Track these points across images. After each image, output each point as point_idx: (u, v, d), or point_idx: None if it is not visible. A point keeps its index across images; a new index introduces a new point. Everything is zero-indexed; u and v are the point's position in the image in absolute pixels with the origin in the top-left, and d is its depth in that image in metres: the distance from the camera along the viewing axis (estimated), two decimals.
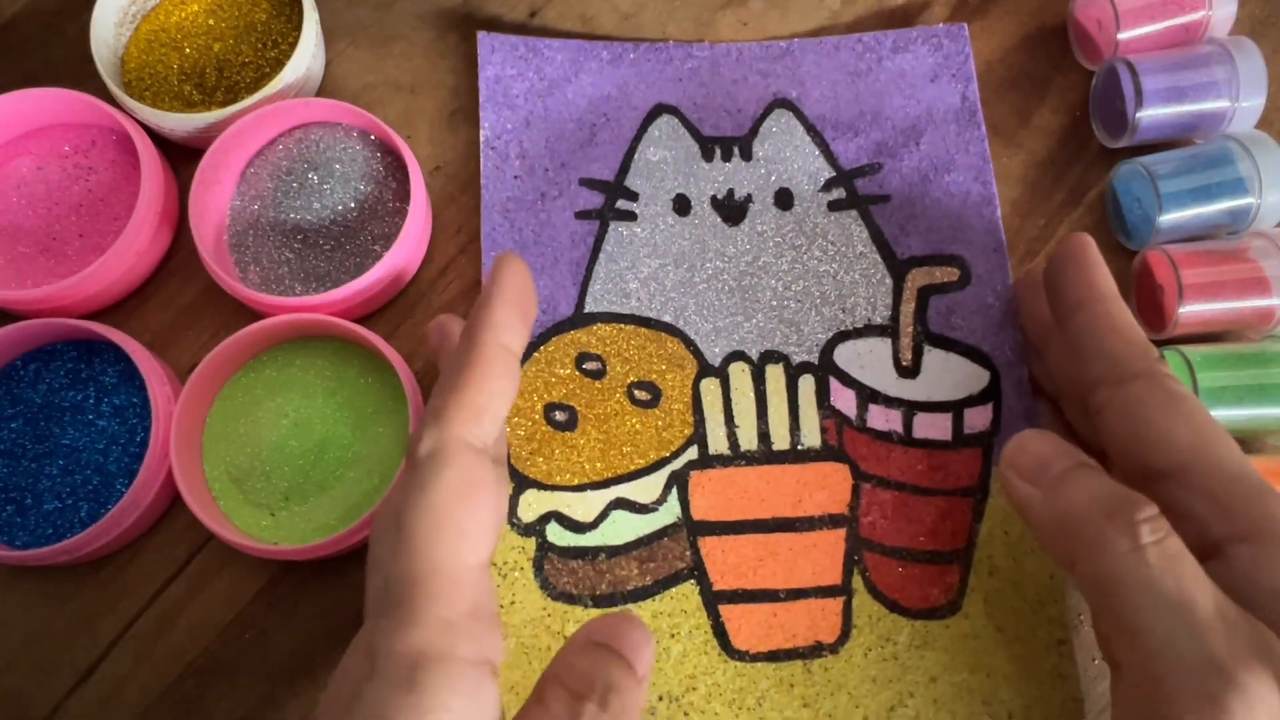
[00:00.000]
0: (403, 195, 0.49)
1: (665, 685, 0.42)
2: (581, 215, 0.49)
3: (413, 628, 0.30)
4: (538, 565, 0.43)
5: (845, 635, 0.42)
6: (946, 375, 0.46)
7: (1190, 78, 0.48)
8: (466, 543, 0.31)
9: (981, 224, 0.48)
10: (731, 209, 0.48)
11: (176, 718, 0.43)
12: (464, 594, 0.31)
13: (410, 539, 0.31)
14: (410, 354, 0.48)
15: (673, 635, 0.42)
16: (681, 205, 0.48)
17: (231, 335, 0.44)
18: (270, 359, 0.47)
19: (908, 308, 0.47)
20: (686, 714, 0.41)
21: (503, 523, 0.42)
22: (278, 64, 0.50)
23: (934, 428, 0.45)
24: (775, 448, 0.45)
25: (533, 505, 0.44)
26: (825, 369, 0.46)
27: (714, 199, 0.49)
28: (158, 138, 0.50)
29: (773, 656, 0.42)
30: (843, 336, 0.46)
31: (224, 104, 0.50)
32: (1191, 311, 0.45)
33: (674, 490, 0.44)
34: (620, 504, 0.44)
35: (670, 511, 0.44)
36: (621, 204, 0.49)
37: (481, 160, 0.49)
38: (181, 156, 0.50)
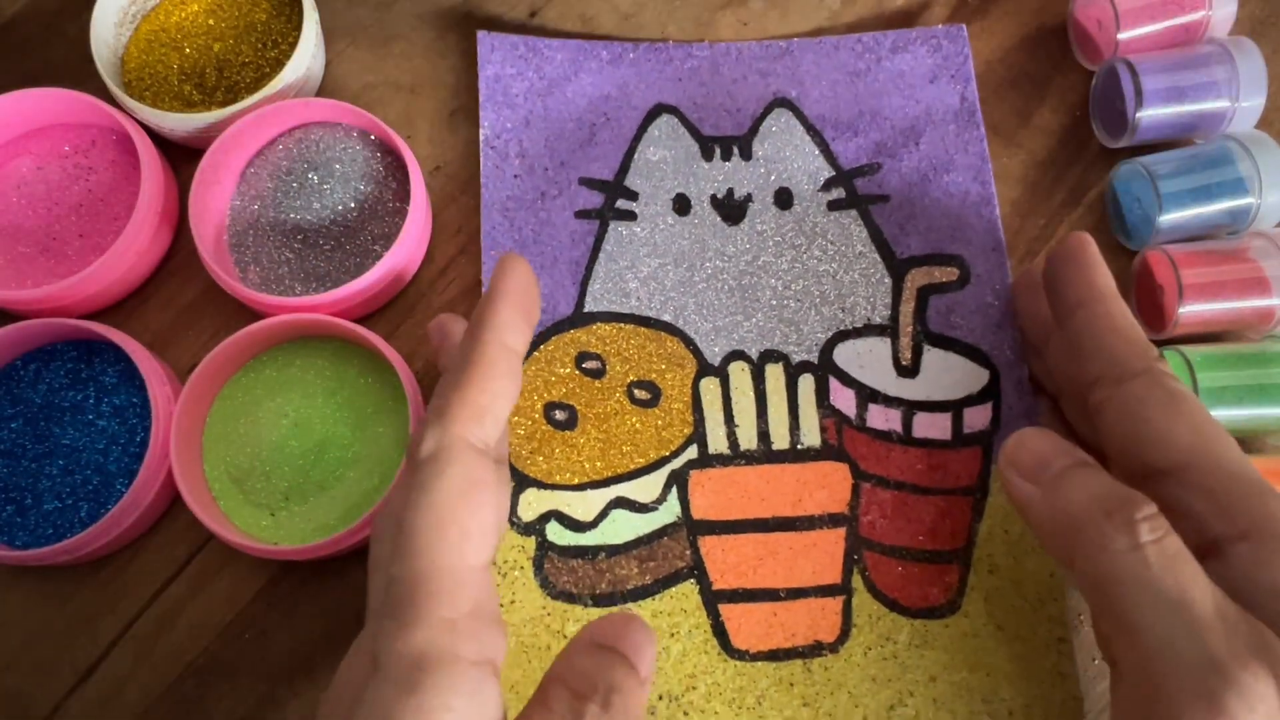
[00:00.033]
0: (403, 195, 0.49)
1: (665, 684, 0.42)
2: (581, 215, 0.49)
3: (415, 628, 0.30)
4: (537, 564, 0.43)
5: (845, 634, 0.42)
6: (946, 375, 0.46)
7: (1190, 78, 0.48)
8: (469, 543, 0.31)
9: (980, 224, 0.48)
10: (731, 208, 0.48)
11: (176, 718, 0.43)
12: (466, 594, 0.31)
13: (412, 539, 0.31)
14: (410, 354, 0.48)
15: (672, 634, 0.42)
16: (681, 205, 0.48)
17: (231, 335, 0.44)
18: (270, 359, 0.47)
19: (907, 307, 0.47)
20: (686, 713, 0.41)
21: (505, 523, 0.42)
22: (278, 64, 0.50)
23: (933, 427, 0.45)
24: (775, 447, 0.45)
25: (532, 504, 0.44)
26: (825, 368, 0.46)
27: (714, 198, 0.49)
28: (158, 138, 0.50)
29: (772, 656, 0.42)
30: (842, 336, 0.46)
31: (224, 104, 0.50)
32: (1191, 311, 0.45)
33: (674, 489, 0.44)
34: (620, 503, 0.44)
35: (670, 511, 0.44)
36: (621, 203, 0.49)
37: (481, 160, 0.49)
38: (181, 156, 0.50)
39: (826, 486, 0.44)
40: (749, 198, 0.49)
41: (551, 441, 0.45)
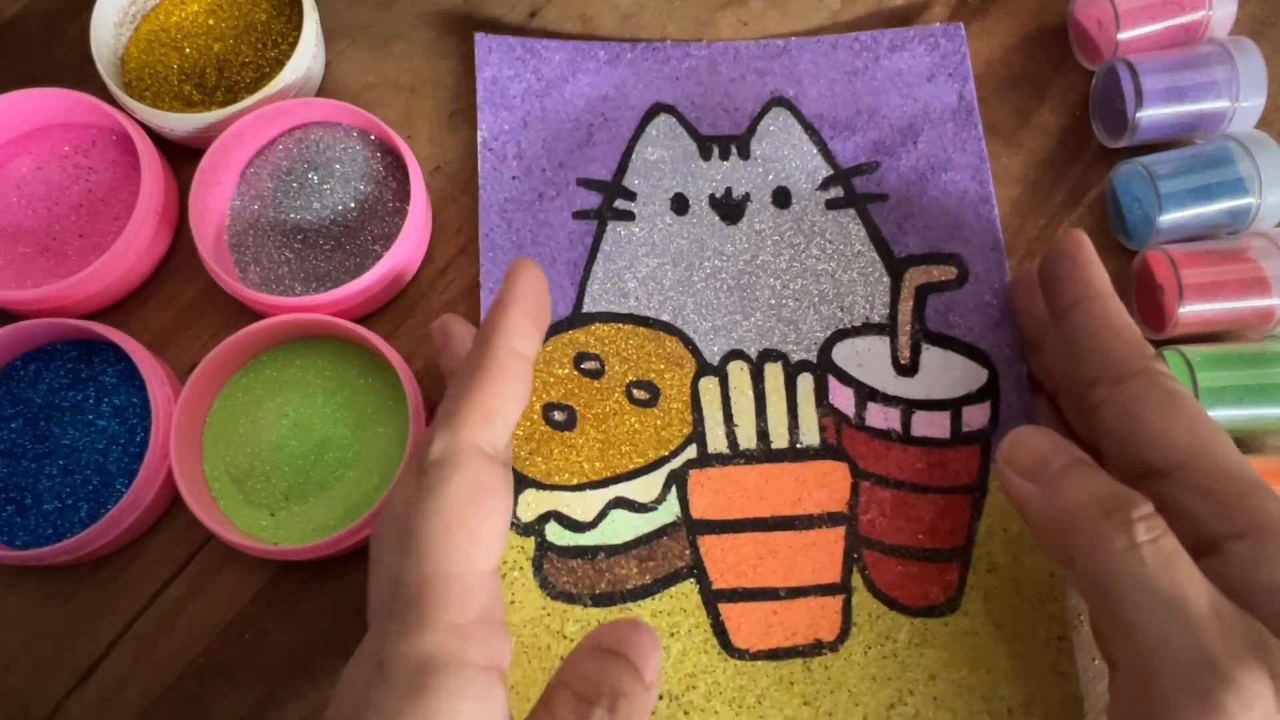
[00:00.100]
0: (403, 195, 0.49)
1: (665, 684, 0.42)
2: (579, 215, 0.49)
3: (422, 632, 0.30)
4: (537, 565, 0.43)
5: (845, 633, 0.42)
6: (945, 373, 0.46)
7: (1190, 78, 0.48)
8: (477, 548, 0.31)
9: (979, 223, 0.48)
10: (729, 208, 0.48)
11: (176, 718, 0.43)
12: (474, 599, 0.31)
13: (419, 543, 0.31)
14: (410, 354, 0.48)
15: (672, 634, 0.42)
16: (679, 204, 0.48)
17: (231, 335, 0.44)
18: (270, 359, 0.47)
19: (906, 306, 0.47)
20: (687, 713, 0.41)
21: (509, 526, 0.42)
22: (278, 64, 0.51)
23: (932, 426, 0.45)
24: (774, 446, 0.45)
25: (531, 505, 0.44)
26: (824, 367, 0.46)
27: (712, 198, 0.49)
28: (158, 138, 0.50)
29: (772, 655, 0.42)
30: (841, 335, 0.46)
31: (224, 104, 0.50)
32: (1191, 311, 0.45)
33: (673, 489, 0.44)
34: (619, 503, 0.44)
35: (669, 510, 0.44)
36: (619, 203, 0.49)
37: (479, 162, 0.50)
38: (181, 156, 0.50)
39: (826, 485, 0.44)
40: (747, 197, 0.49)
41: (550, 442, 0.45)
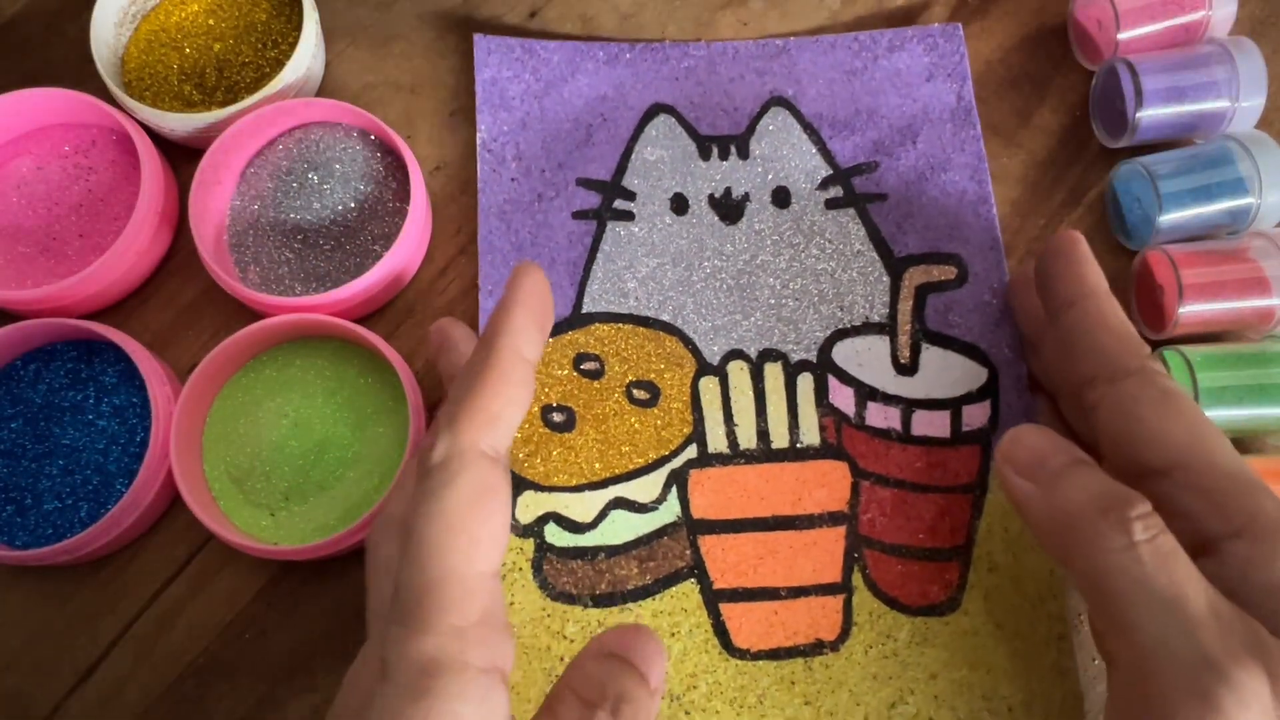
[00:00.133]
0: (403, 195, 0.49)
1: (666, 684, 0.42)
2: (579, 215, 0.49)
3: (424, 635, 0.30)
4: (536, 566, 0.43)
5: (846, 633, 0.42)
6: (944, 373, 0.46)
7: (1190, 78, 0.48)
8: (479, 550, 0.31)
9: (978, 222, 0.48)
10: (729, 207, 0.48)
11: (176, 718, 0.43)
12: (476, 602, 0.31)
13: (421, 545, 0.31)
14: (410, 354, 0.48)
15: (673, 634, 0.42)
16: (679, 204, 0.48)
17: (231, 335, 0.44)
18: (270, 359, 0.47)
19: (905, 305, 0.47)
20: (688, 712, 0.41)
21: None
22: (278, 64, 0.51)
23: (932, 425, 0.45)
24: (774, 446, 0.45)
25: (530, 506, 0.44)
26: (824, 367, 0.46)
27: (711, 198, 0.49)
28: (158, 138, 0.50)
29: (773, 654, 0.42)
30: (841, 334, 0.46)
31: (224, 104, 0.50)
32: (1191, 311, 0.45)
33: (673, 489, 0.44)
34: (619, 504, 0.44)
35: (670, 510, 0.44)
36: (619, 204, 0.49)
37: (478, 164, 0.49)
38: (181, 156, 0.50)
39: (826, 485, 0.44)
40: (746, 197, 0.49)
41: (549, 444, 0.45)
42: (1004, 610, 0.42)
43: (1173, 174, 0.46)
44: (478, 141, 0.50)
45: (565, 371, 0.46)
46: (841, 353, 0.46)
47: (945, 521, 0.43)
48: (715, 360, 0.46)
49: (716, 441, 0.45)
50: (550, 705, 0.32)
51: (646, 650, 0.33)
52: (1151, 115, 0.47)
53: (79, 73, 0.51)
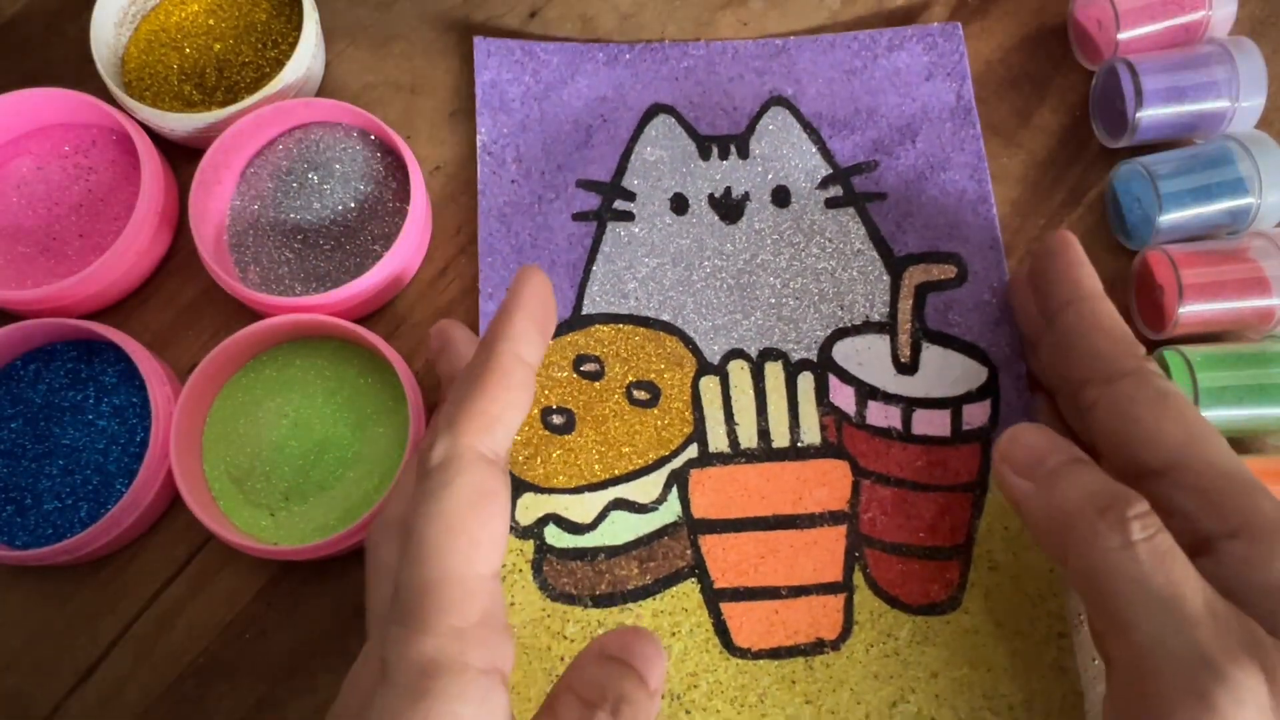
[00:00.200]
0: (403, 195, 0.49)
1: (667, 683, 0.42)
2: (579, 217, 0.49)
3: (424, 636, 0.30)
4: (536, 567, 0.43)
5: (847, 632, 0.42)
6: (945, 372, 0.46)
7: (1190, 78, 0.48)
8: (478, 552, 0.31)
9: (977, 222, 0.48)
10: (729, 207, 0.48)
11: (176, 718, 0.43)
12: (475, 603, 0.31)
13: (420, 547, 0.31)
14: (410, 354, 0.48)
15: (674, 634, 0.42)
16: (679, 204, 0.48)
17: (231, 335, 0.44)
18: (270, 359, 0.47)
19: (905, 305, 0.47)
20: (689, 712, 0.41)
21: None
22: (278, 64, 0.51)
23: (933, 424, 0.45)
24: (775, 445, 0.45)
25: (529, 508, 0.44)
26: (824, 366, 0.46)
27: (711, 197, 0.49)
28: (158, 138, 0.50)
29: (774, 654, 0.42)
30: (841, 333, 0.46)
31: (224, 104, 0.50)
32: (1191, 311, 0.44)
33: (674, 489, 0.44)
34: (619, 504, 0.44)
35: (670, 510, 0.44)
36: (619, 204, 0.49)
37: (478, 166, 0.50)
38: (181, 156, 0.50)
39: (827, 484, 0.44)
40: (746, 196, 0.49)
41: (549, 446, 0.45)
42: (1004, 609, 0.42)
43: (1173, 174, 0.46)
44: (478, 144, 0.50)
45: (565, 373, 0.46)
46: (842, 352, 0.46)
47: (946, 520, 0.43)
48: (716, 360, 0.46)
49: (717, 441, 0.45)
50: (550, 705, 0.32)
51: (646, 652, 0.33)
52: (1151, 115, 0.47)
53: (79, 73, 0.51)
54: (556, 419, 0.45)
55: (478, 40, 0.52)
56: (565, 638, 0.42)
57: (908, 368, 0.46)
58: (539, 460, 0.44)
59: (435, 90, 0.52)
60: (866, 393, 0.45)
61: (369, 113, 0.48)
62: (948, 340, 0.46)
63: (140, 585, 0.45)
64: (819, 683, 0.41)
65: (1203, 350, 0.44)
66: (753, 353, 0.46)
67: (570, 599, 0.43)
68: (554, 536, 0.44)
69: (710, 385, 0.46)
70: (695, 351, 0.46)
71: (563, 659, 0.42)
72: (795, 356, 0.46)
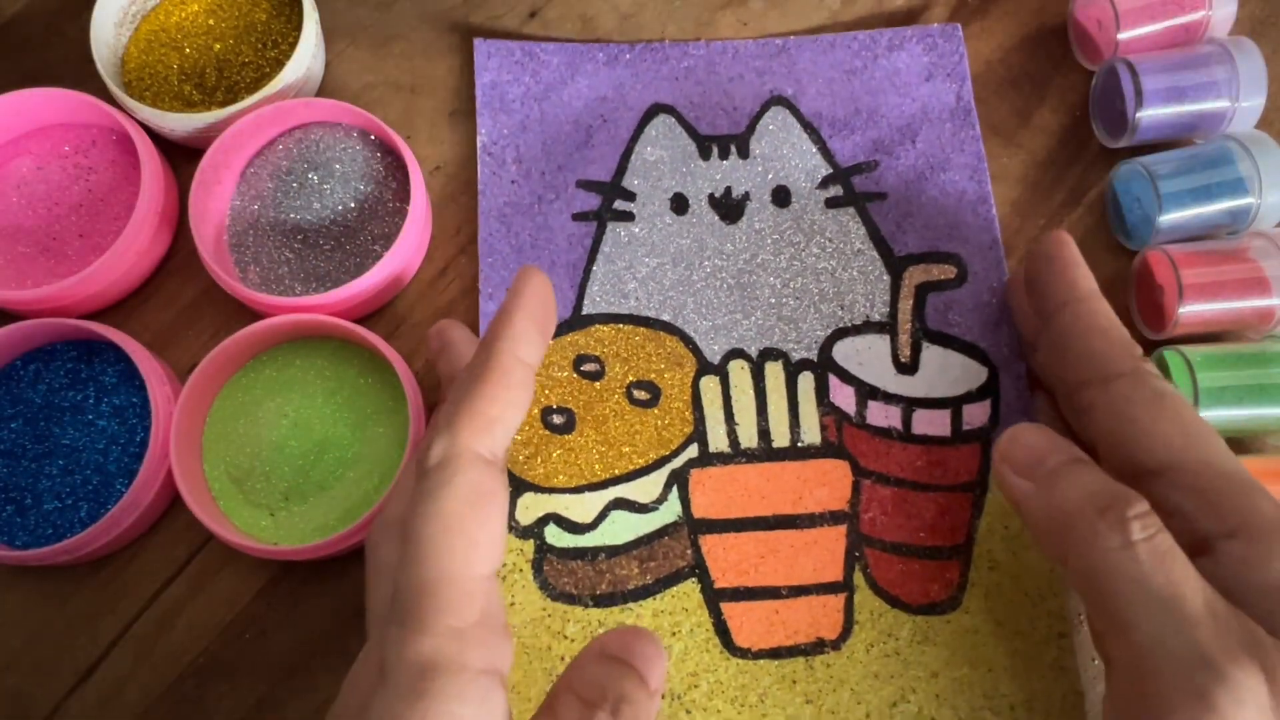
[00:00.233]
0: (403, 195, 0.49)
1: (667, 683, 0.42)
2: (579, 217, 0.49)
3: (422, 636, 0.30)
4: (536, 566, 0.43)
5: (847, 631, 0.42)
6: (945, 372, 0.46)
7: (1190, 78, 0.48)
8: (476, 552, 0.31)
9: (977, 222, 0.48)
10: (729, 207, 0.48)
11: (176, 718, 0.43)
12: (474, 603, 0.31)
13: (419, 547, 0.31)
14: (410, 354, 0.48)
15: (674, 633, 0.42)
16: (679, 204, 0.48)
17: (231, 335, 0.44)
18: (270, 359, 0.47)
19: (906, 305, 0.47)
20: (689, 711, 0.41)
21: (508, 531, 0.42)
22: (278, 64, 0.51)
23: (933, 424, 0.45)
24: (775, 445, 0.45)
25: (530, 508, 0.44)
26: (824, 366, 0.46)
27: (711, 197, 0.49)
28: (158, 138, 0.50)
29: (775, 653, 0.42)
30: (841, 333, 0.46)
31: (224, 104, 0.50)
32: (1191, 311, 0.44)
33: (674, 489, 0.44)
34: (619, 504, 0.44)
35: (671, 510, 0.44)
36: (619, 204, 0.49)
37: (479, 167, 0.50)
38: (181, 156, 0.50)
39: (827, 484, 0.44)
40: (747, 196, 0.49)
41: (549, 446, 0.45)
42: (1005, 608, 0.42)
43: (1173, 174, 0.46)
44: (478, 145, 0.50)
45: (565, 373, 0.46)
46: (842, 351, 0.46)
47: (946, 520, 0.43)
48: (716, 360, 0.46)
49: (717, 441, 0.45)
50: (550, 705, 0.32)
51: (646, 652, 0.33)
52: (1151, 115, 0.47)
53: (79, 73, 0.51)
54: (557, 419, 0.45)
55: (478, 42, 0.52)
56: (565, 637, 0.42)
57: (908, 368, 0.46)
58: (539, 460, 0.44)
59: (435, 90, 0.52)
60: (867, 393, 0.45)
61: (369, 113, 0.48)
62: (948, 340, 0.46)
63: (140, 585, 0.45)
64: (819, 682, 0.41)
65: (1203, 350, 0.44)
66: (753, 352, 0.46)
67: (570, 599, 0.43)
68: (554, 536, 0.44)
69: (710, 385, 0.46)
70: (695, 351, 0.46)
71: (563, 659, 0.42)
72: (795, 356, 0.46)
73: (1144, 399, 0.36)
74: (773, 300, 0.47)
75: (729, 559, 0.43)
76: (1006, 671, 0.41)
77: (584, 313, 0.47)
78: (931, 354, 0.46)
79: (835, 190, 0.49)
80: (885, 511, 0.44)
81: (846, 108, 0.50)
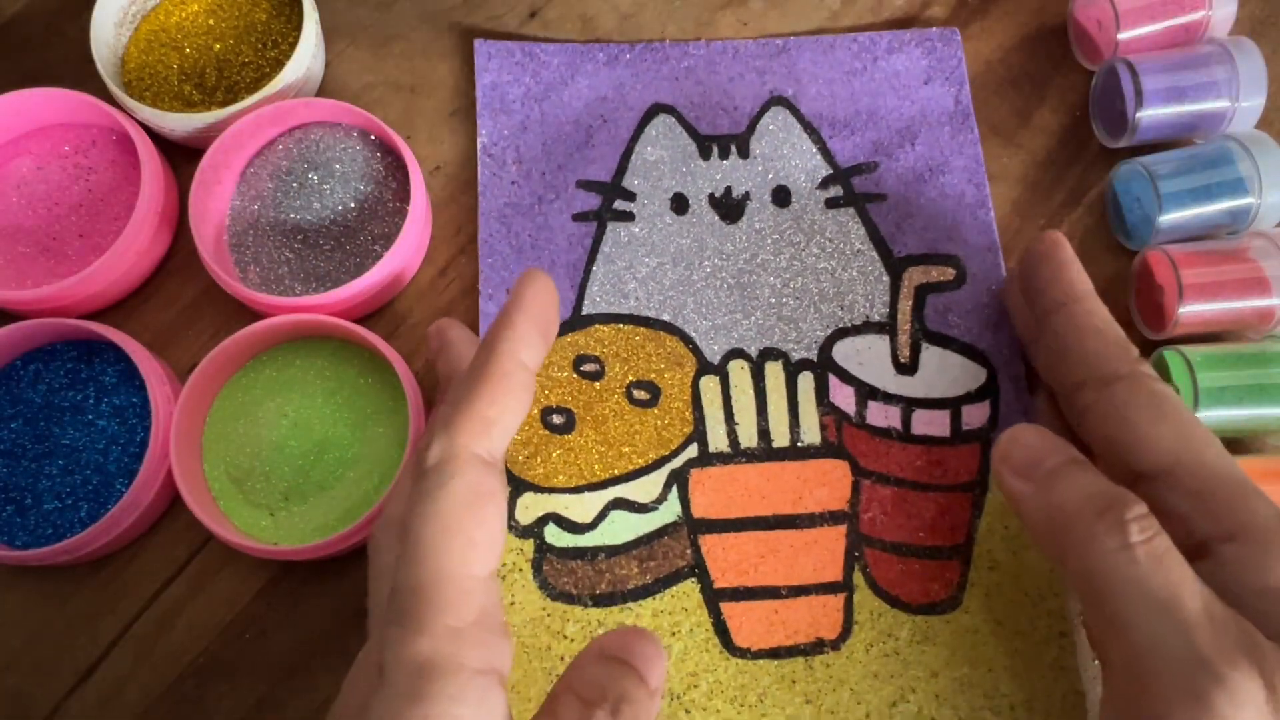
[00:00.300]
0: (403, 195, 0.49)
1: (667, 683, 0.42)
2: (579, 217, 0.49)
3: (421, 637, 0.30)
4: (536, 566, 0.43)
5: (847, 631, 0.42)
6: (944, 372, 0.46)
7: (1190, 78, 0.48)
8: (474, 552, 0.31)
9: (976, 225, 0.48)
10: (729, 207, 0.48)
11: (176, 718, 0.43)
12: (472, 603, 0.31)
13: (417, 547, 0.31)
14: (410, 354, 0.48)
15: (674, 633, 0.42)
16: (679, 204, 0.48)
17: (231, 335, 0.44)
18: (270, 359, 0.47)
19: (905, 305, 0.47)
20: (689, 711, 0.41)
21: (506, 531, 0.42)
22: (278, 64, 0.51)
23: (932, 424, 0.45)
24: (775, 445, 0.45)
25: (529, 507, 0.44)
26: (824, 366, 0.46)
27: (711, 197, 0.49)
28: (158, 138, 0.50)
29: (774, 653, 0.42)
30: (841, 333, 0.46)
31: (224, 104, 0.50)
32: (1191, 311, 0.44)
33: (674, 489, 0.44)
34: (619, 504, 0.44)
35: (670, 510, 0.44)
36: (619, 204, 0.49)
37: (479, 167, 0.50)
38: (181, 156, 0.50)
39: (827, 484, 0.44)
40: (747, 196, 0.49)
41: (549, 445, 0.45)
42: (1004, 608, 0.42)
43: (1173, 174, 0.46)
44: (478, 146, 0.50)
45: (565, 373, 0.46)
46: (842, 352, 0.46)
47: (945, 520, 0.43)
48: (716, 359, 0.46)
49: (717, 440, 0.45)
50: (550, 705, 0.32)
51: (646, 652, 0.33)
52: (1151, 115, 0.47)
53: (79, 73, 0.51)
54: (556, 419, 0.45)
55: (478, 43, 0.52)
56: (565, 637, 0.42)
57: (907, 368, 0.46)
58: (539, 460, 0.44)
59: (435, 90, 0.52)
60: (866, 393, 0.45)
61: (369, 113, 0.48)
62: (947, 341, 0.46)
63: (140, 585, 0.45)
64: (819, 682, 0.41)
65: (1203, 350, 0.44)
66: (753, 352, 0.46)
67: (570, 598, 0.43)
68: (554, 536, 0.44)
69: (710, 385, 0.46)
70: (695, 351, 0.46)
71: (563, 658, 0.42)
72: (795, 356, 0.46)
73: (1141, 402, 0.36)
74: (773, 300, 0.47)
75: (729, 559, 0.43)
76: (1006, 671, 0.41)
77: (584, 313, 0.47)
78: (931, 354, 0.46)
79: (835, 191, 0.49)
80: (885, 511, 0.44)
81: (846, 109, 0.50)
